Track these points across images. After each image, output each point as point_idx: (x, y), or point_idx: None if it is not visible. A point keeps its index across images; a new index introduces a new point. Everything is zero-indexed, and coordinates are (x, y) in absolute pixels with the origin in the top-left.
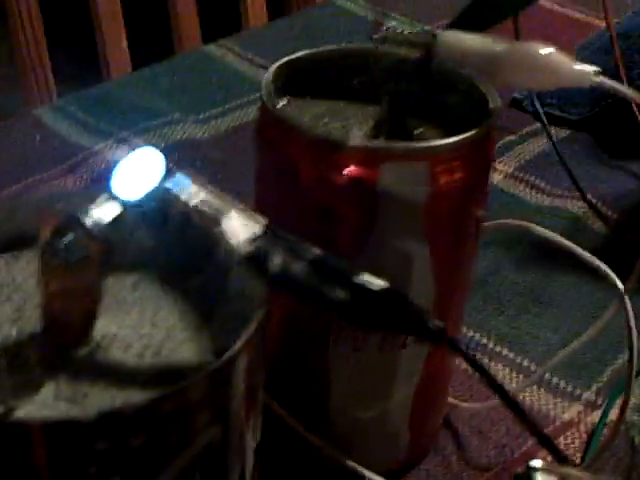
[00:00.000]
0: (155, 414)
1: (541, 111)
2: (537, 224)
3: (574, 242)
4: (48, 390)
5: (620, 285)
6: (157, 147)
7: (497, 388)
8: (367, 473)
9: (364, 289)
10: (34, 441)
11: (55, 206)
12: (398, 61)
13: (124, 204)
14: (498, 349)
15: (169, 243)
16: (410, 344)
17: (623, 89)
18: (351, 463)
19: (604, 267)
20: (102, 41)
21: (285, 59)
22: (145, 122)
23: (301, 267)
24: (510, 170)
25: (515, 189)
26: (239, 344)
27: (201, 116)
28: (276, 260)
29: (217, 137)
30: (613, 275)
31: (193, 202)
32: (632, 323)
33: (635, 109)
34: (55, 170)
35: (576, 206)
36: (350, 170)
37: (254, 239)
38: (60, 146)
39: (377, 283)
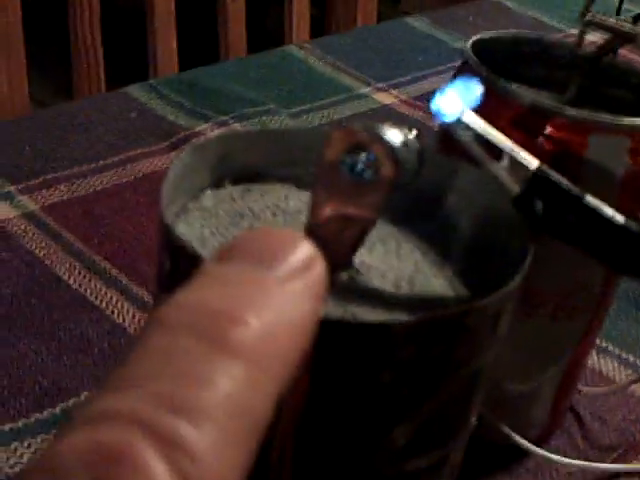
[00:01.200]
0: (456, 327)
1: None
2: None
3: None
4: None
5: None
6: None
7: None
8: (518, 439)
9: (628, 232)
10: (347, 341)
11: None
12: (574, 53)
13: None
14: (604, 344)
15: (403, 185)
16: (574, 317)
17: None
18: (504, 427)
19: None
20: (153, 41)
21: (478, 36)
22: (241, 109)
23: (567, 210)
24: None
25: None
26: (521, 276)
27: (292, 110)
28: (545, 203)
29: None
30: None
31: (470, 136)
32: None
33: None
34: (157, 146)
35: None
36: (562, 137)
37: (525, 180)
38: (157, 123)
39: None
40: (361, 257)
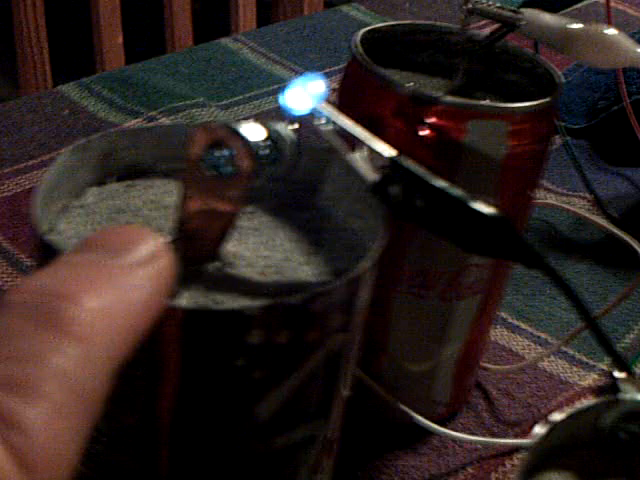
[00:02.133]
0: (303, 312)
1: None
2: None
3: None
4: (182, 298)
5: None
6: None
7: (580, 308)
8: (418, 417)
9: (480, 216)
10: (187, 327)
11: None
12: (466, 39)
13: (270, 126)
14: (517, 323)
15: (281, 176)
16: (466, 296)
17: None
18: (403, 407)
19: (626, 237)
20: (99, 36)
21: (368, 28)
22: (170, 103)
23: (422, 195)
24: None
25: None
26: (372, 258)
27: (223, 102)
28: (401, 189)
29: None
30: (634, 243)
31: (330, 128)
32: None
33: (632, 118)
34: None
35: (579, 204)
36: (441, 124)
37: (381, 168)
38: (89, 121)
39: (489, 210)
40: (231, 248)
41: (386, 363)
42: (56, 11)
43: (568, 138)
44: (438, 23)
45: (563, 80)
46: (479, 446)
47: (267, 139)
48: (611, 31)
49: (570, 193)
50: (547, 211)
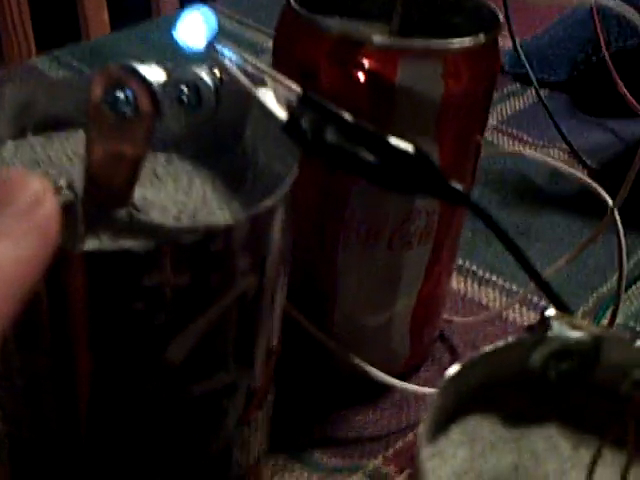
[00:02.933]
0: (201, 252)
1: (529, 68)
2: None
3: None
4: (91, 244)
5: (609, 200)
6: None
7: (510, 245)
8: (373, 371)
9: (396, 151)
10: (87, 271)
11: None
12: None
13: (170, 69)
14: (487, 276)
15: (201, 122)
16: (415, 246)
17: (625, 10)
18: (357, 361)
19: (596, 185)
20: (84, 14)
21: None
22: None
23: (336, 132)
24: (494, 123)
25: (498, 140)
26: (278, 195)
27: None
28: (311, 125)
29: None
30: (603, 192)
31: (233, 68)
32: (622, 235)
33: (612, 68)
34: None
35: (556, 155)
36: (371, 65)
37: (291, 105)
38: None
39: (407, 146)
40: (146, 193)
41: (339, 316)
42: None
43: (542, 90)
44: None
45: (501, 19)
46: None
47: (187, 85)
48: None
49: (548, 145)
50: (523, 163)
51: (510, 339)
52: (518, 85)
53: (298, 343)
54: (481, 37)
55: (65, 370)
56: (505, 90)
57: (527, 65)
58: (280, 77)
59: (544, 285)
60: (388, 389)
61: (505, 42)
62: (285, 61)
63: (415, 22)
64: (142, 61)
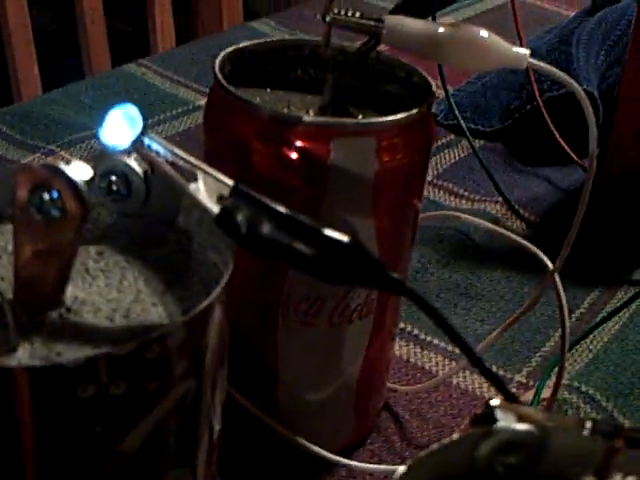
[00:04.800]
0: (136, 361)
1: (462, 121)
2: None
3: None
4: (24, 351)
5: (550, 264)
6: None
7: (455, 337)
8: (317, 449)
9: (331, 242)
10: (19, 387)
11: (32, 167)
12: (338, 52)
13: (95, 166)
14: (429, 339)
15: (132, 212)
16: (356, 320)
17: (556, 71)
18: (301, 440)
19: (534, 248)
20: (14, 68)
21: (231, 49)
22: (70, 136)
23: (269, 224)
24: (429, 179)
25: (435, 196)
26: (213, 296)
27: None
28: (244, 218)
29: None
30: (542, 255)
31: (163, 162)
32: (563, 299)
33: (546, 116)
34: None
35: (494, 209)
36: (303, 145)
37: (222, 199)
38: None
39: (342, 237)
40: (77, 292)
41: (281, 393)
42: None
43: (476, 142)
44: (309, 38)
45: (434, 88)
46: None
47: (116, 174)
48: (481, 34)
49: (485, 199)
50: (460, 220)
51: (455, 436)
52: (452, 137)
53: (241, 423)
54: (414, 111)
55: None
56: (439, 142)
57: (459, 116)
58: (210, 170)
59: (487, 372)
60: (334, 465)
61: (437, 91)
62: (216, 138)
63: (347, 91)
64: (67, 160)
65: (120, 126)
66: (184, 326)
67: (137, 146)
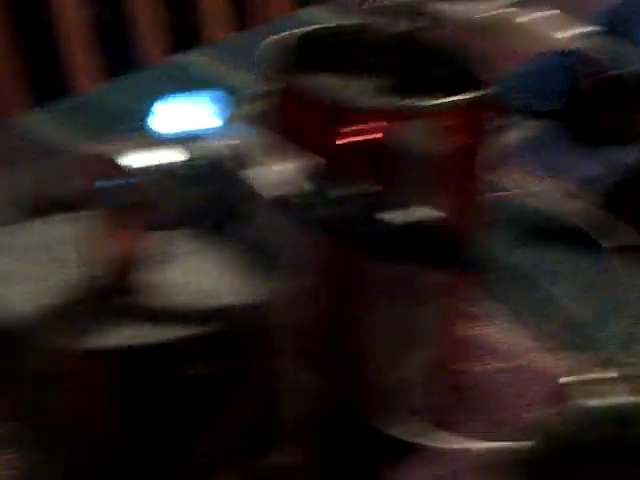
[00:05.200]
0: (226, 340)
1: (521, 101)
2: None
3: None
4: (113, 334)
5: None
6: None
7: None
8: (400, 430)
9: (403, 223)
10: (113, 368)
11: (94, 155)
12: (390, 36)
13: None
14: (506, 320)
15: (209, 196)
16: (435, 299)
17: (600, 55)
18: (384, 421)
19: (597, 228)
20: (69, 60)
21: (287, 35)
22: (129, 125)
23: (339, 207)
24: (489, 160)
25: (497, 177)
26: (293, 277)
27: None
28: (315, 202)
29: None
30: (606, 235)
31: (229, 146)
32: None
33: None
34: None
35: (556, 189)
36: (363, 129)
37: (287, 183)
38: (47, 149)
39: (413, 218)
40: (158, 276)
41: (359, 376)
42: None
43: (536, 122)
44: (363, 21)
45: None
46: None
47: (189, 161)
48: (524, 16)
49: (547, 179)
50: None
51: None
52: (512, 117)
53: (323, 405)
54: (473, 93)
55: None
56: (499, 123)
57: (518, 97)
58: (284, 153)
59: None
60: (413, 446)
61: (496, 72)
62: (277, 126)
63: (402, 75)
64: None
65: (205, 111)
66: (268, 307)
67: (219, 131)
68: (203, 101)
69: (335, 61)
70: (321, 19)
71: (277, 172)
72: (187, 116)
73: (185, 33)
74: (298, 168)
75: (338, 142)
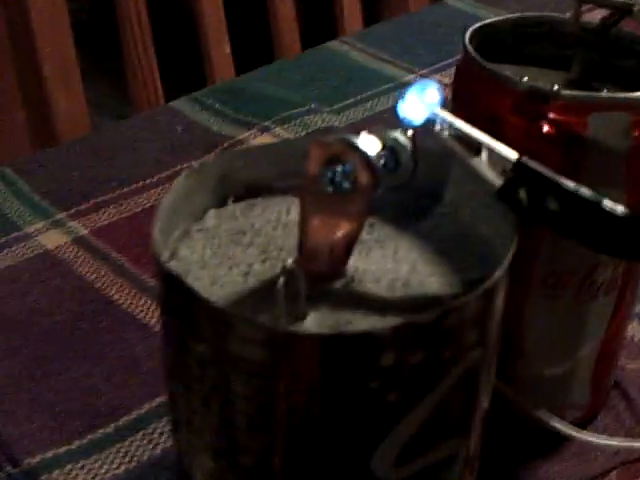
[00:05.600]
0: (437, 329)
1: None
2: None
3: None
4: (312, 320)
5: None
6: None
7: None
8: (555, 423)
9: (610, 215)
10: (326, 354)
11: (321, 138)
12: (579, 28)
13: (388, 137)
14: None
15: (400, 185)
16: (600, 296)
17: None
18: (540, 413)
19: None
20: (206, 48)
21: (478, 24)
22: (283, 112)
23: (553, 198)
24: None
25: None
26: (502, 269)
27: (335, 106)
28: (527, 192)
29: (355, 125)
30: None
31: (449, 134)
32: None
33: None
34: (204, 157)
35: None
36: (562, 119)
37: (505, 172)
38: (203, 135)
39: (620, 210)
40: (356, 263)
41: (522, 368)
42: (162, 26)
43: None
44: (548, 14)
45: None
46: (619, 448)
47: (384, 148)
48: None
49: None
50: None
51: None
52: None
53: None
54: None
55: (297, 449)
56: None
57: None
58: (494, 143)
59: None
60: (565, 439)
61: None
62: (466, 113)
63: (589, 67)
64: (356, 133)
65: (417, 101)
66: (478, 297)
67: (428, 121)
68: (422, 90)
69: (521, 53)
70: (468, 9)
71: (489, 161)
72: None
73: (322, 26)
74: (508, 159)
75: (536, 131)
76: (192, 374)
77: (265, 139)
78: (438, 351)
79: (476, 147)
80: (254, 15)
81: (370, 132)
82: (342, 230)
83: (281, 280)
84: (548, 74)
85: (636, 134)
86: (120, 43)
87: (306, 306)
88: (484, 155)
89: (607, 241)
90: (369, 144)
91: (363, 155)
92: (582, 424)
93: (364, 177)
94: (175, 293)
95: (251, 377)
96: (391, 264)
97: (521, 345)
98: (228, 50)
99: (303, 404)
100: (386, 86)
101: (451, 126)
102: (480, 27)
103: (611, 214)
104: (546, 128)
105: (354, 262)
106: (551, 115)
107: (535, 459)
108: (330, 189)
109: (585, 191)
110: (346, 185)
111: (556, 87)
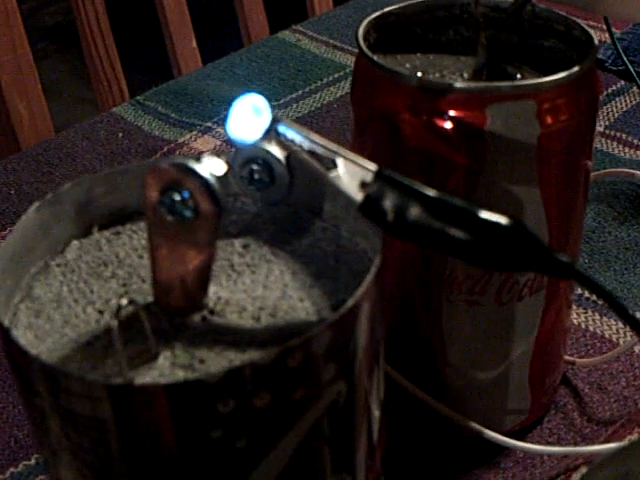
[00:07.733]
0: (280, 369)
1: (631, 67)
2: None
3: None
4: (165, 359)
5: None
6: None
7: (625, 316)
8: (489, 433)
9: (488, 226)
10: (157, 406)
11: (162, 165)
12: (491, 8)
13: (230, 161)
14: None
15: (276, 200)
16: (526, 296)
17: None
18: (473, 424)
19: None
20: (171, 42)
21: (375, 14)
22: (225, 111)
23: (418, 209)
24: (601, 129)
25: (607, 147)
26: (360, 292)
27: (282, 101)
28: (391, 204)
29: (300, 120)
30: None
31: (301, 149)
32: None
33: None
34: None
35: None
36: (457, 113)
37: (365, 185)
38: (144, 141)
39: (500, 219)
40: (220, 292)
41: (451, 377)
42: (123, 24)
43: None
44: None
45: (597, 42)
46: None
47: (256, 162)
48: None
49: None
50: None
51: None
52: (622, 83)
53: (407, 408)
54: (576, 69)
55: None
56: (609, 90)
57: (627, 62)
58: (351, 155)
59: None
60: (508, 448)
61: (603, 35)
62: (364, 111)
63: (503, 50)
64: (198, 157)
65: (248, 117)
66: (330, 328)
67: (270, 136)
68: (252, 103)
69: (431, 39)
70: None
71: (347, 175)
72: (246, 118)
73: (291, 10)
74: (368, 170)
75: (432, 128)
76: (38, 425)
77: (206, 140)
78: (287, 392)
79: (333, 160)
80: (221, 4)
81: (240, 147)
82: (191, 260)
83: (115, 323)
84: (460, 61)
85: (543, 123)
86: (82, 47)
87: (158, 345)
88: (341, 169)
89: (488, 254)
90: (212, 167)
91: (201, 180)
92: (527, 427)
93: (204, 204)
94: (8, 343)
95: (87, 430)
96: (260, 290)
97: (445, 355)
98: (194, 44)
99: (144, 456)
100: (337, 75)
101: (302, 140)
102: (382, 16)
103: (491, 224)
104: (443, 125)
105: (219, 291)
106: (447, 110)
107: (473, 470)
108: (170, 218)
109: (455, 200)
110: (187, 213)
111: (449, 80)
